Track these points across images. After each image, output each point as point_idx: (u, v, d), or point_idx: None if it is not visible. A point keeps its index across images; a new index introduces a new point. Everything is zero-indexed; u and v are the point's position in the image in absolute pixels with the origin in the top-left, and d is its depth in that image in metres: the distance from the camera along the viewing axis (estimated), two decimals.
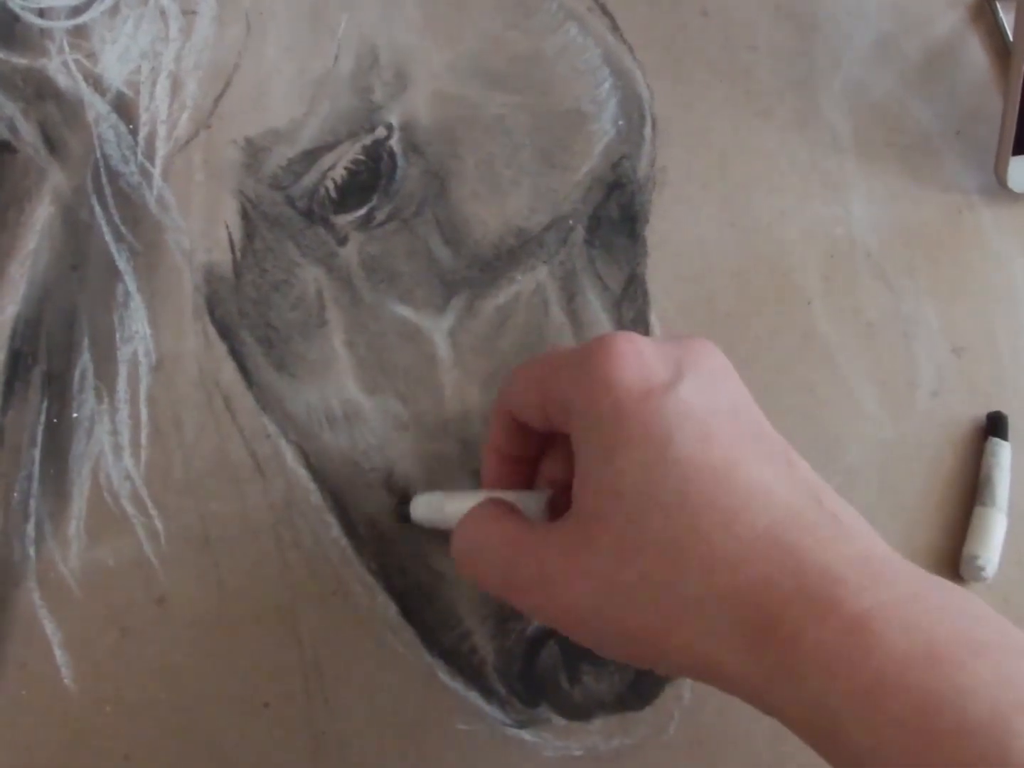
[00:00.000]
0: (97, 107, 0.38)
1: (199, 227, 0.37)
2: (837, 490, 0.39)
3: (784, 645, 0.24)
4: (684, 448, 0.26)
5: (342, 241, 0.37)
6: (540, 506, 0.33)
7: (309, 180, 0.38)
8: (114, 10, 0.39)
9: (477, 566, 0.30)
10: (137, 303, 0.37)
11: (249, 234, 0.37)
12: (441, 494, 0.34)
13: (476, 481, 0.36)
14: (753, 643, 0.24)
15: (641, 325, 0.38)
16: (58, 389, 0.36)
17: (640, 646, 0.27)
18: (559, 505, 0.32)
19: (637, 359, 0.28)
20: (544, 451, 0.34)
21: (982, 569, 0.37)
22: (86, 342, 0.36)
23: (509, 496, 0.32)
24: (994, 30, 0.44)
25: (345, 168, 0.38)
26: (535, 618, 0.34)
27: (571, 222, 0.38)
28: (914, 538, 0.38)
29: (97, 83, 0.38)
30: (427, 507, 0.34)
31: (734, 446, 0.27)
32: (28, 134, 0.38)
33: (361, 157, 0.38)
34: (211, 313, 0.37)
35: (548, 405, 0.30)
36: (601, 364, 0.28)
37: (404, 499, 0.35)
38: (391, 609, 0.35)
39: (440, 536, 0.36)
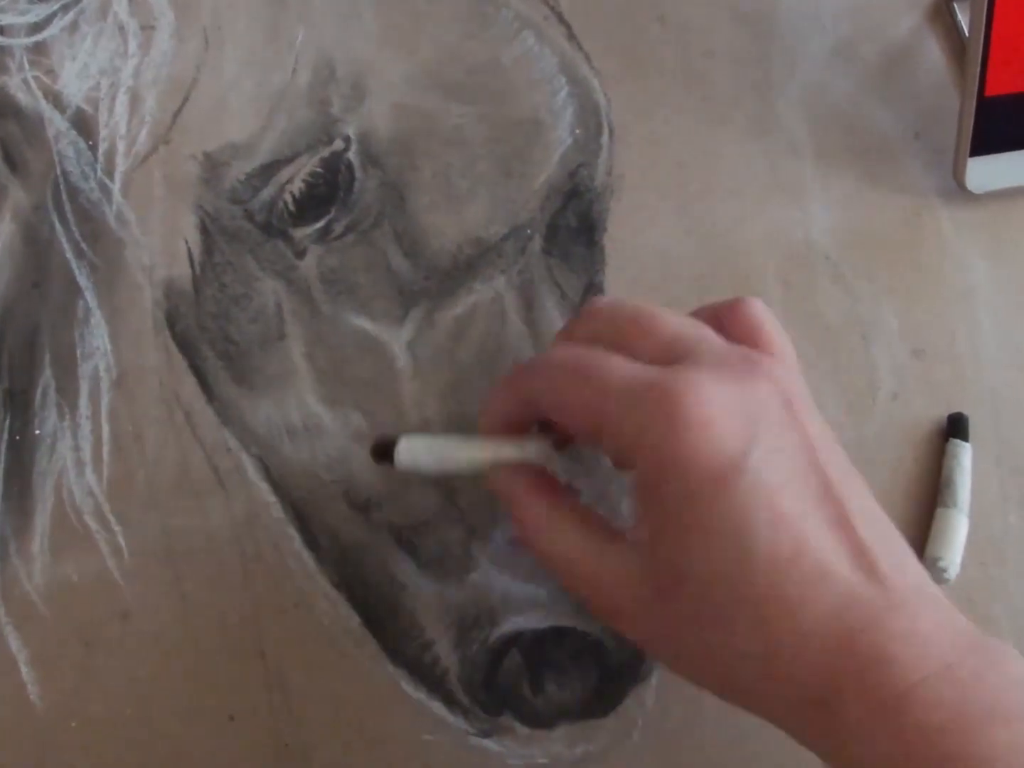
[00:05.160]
0: (57, 124, 0.38)
1: (159, 242, 0.38)
2: None
3: (833, 720, 0.26)
4: (754, 540, 0.27)
5: (300, 254, 0.38)
6: (544, 454, 0.33)
7: (267, 194, 0.38)
8: (73, 26, 0.39)
9: (545, 554, 0.32)
10: (98, 319, 0.37)
11: (208, 249, 0.38)
12: (437, 438, 0.34)
13: (440, 493, 0.36)
14: (805, 718, 0.27)
15: None
16: (20, 406, 0.36)
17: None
18: (560, 444, 0.33)
19: (707, 431, 0.27)
20: None
21: (944, 571, 0.37)
22: (48, 359, 0.36)
23: (512, 447, 0.33)
24: (952, 31, 0.44)
25: (303, 181, 0.38)
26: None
27: (529, 231, 0.39)
28: None
29: (57, 100, 0.38)
30: (426, 452, 0.33)
31: (801, 521, 0.27)
32: None
33: (319, 170, 0.38)
34: (171, 328, 0.37)
35: (602, 439, 0.29)
36: (669, 436, 0.27)
37: (383, 441, 0.33)
38: (354, 621, 0.35)
39: (404, 547, 0.36)
